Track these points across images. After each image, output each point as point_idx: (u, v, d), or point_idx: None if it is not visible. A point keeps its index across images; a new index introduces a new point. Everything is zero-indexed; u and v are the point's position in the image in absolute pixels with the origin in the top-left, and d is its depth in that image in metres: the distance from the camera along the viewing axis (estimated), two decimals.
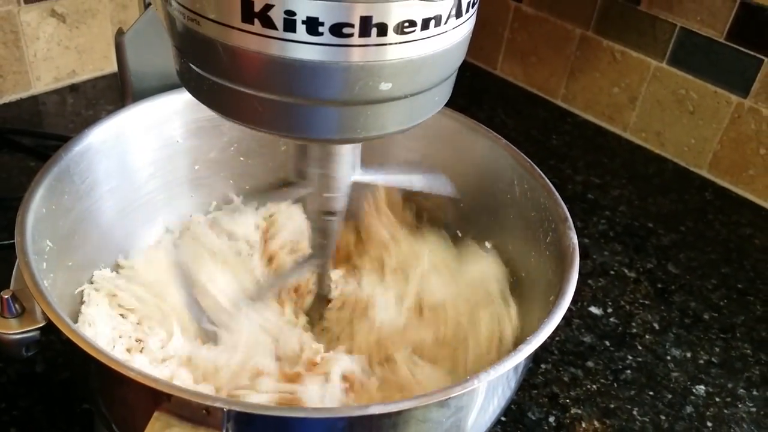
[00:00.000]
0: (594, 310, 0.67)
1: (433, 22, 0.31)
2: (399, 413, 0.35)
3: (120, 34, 0.49)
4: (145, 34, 0.49)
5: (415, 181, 0.50)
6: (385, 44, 0.31)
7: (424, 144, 0.55)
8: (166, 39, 0.40)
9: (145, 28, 0.49)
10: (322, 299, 0.53)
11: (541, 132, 0.92)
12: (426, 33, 0.31)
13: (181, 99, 0.52)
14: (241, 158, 0.57)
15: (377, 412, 0.34)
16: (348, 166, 0.41)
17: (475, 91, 0.93)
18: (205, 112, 0.53)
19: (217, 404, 0.32)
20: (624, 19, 0.87)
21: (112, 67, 0.90)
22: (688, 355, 0.63)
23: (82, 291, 0.48)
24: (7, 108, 0.83)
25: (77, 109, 0.85)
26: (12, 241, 0.64)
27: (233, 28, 0.30)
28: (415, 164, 0.57)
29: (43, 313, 0.38)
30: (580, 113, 0.96)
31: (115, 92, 0.88)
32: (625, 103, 0.91)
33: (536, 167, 0.50)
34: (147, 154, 0.52)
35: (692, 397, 0.59)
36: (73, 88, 0.88)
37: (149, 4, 0.48)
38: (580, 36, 0.92)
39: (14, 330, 0.39)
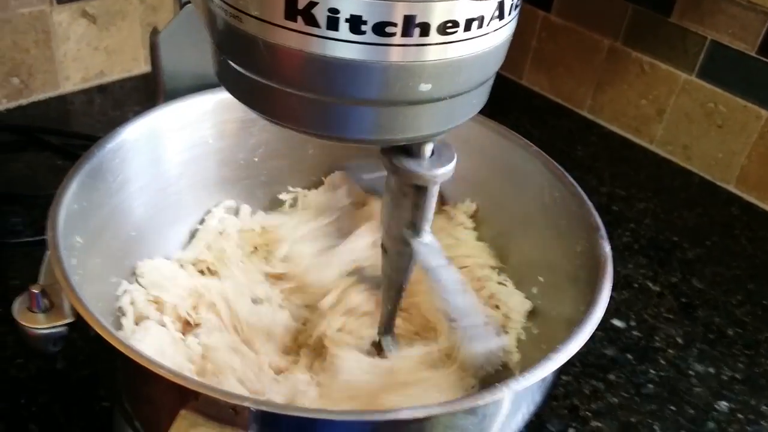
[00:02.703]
0: (617, 322, 0.66)
1: (476, 23, 0.31)
2: (427, 419, 0.34)
3: (155, 33, 0.49)
4: (179, 34, 0.50)
5: None
6: (427, 44, 0.30)
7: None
8: (199, 39, 0.40)
9: (180, 28, 0.49)
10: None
11: (566, 143, 0.91)
12: (468, 34, 0.31)
13: (213, 99, 0.52)
14: (270, 160, 0.57)
15: (405, 417, 0.34)
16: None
17: (500, 100, 0.92)
18: (235, 113, 0.54)
19: (245, 404, 0.32)
20: (654, 31, 0.86)
21: (140, 68, 0.91)
22: (712, 370, 0.62)
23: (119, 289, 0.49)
24: (35, 107, 0.84)
25: (104, 109, 0.86)
26: (39, 238, 0.64)
27: (275, 25, 0.30)
28: None
29: (72, 309, 0.38)
30: (606, 125, 0.96)
31: (142, 93, 0.89)
32: (652, 115, 0.90)
33: (567, 174, 0.49)
34: (177, 154, 0.52)
35: (715, 413, 0.58)
36: (101, 88, 0.89)
37: (185, 3, 0.48)
38: (609, 47, 0.91)
39: (42, 325, 0.38)
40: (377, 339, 0.49)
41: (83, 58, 0.85)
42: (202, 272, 0.54)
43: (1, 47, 0.78)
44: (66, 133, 0.80)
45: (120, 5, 0.85)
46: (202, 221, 0.57)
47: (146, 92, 0.88)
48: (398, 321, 0.50)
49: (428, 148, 0.38)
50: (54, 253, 0.38)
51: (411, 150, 0.38)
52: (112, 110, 0.85)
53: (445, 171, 0.39)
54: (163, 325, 0.48)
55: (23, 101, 0.83)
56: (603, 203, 0.81)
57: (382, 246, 0.45)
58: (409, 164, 0.38)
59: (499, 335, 0.48)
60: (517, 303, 0.52)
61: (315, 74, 0.31)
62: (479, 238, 0.57)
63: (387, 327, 0.49)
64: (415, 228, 0.41)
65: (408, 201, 0.40)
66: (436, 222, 0.45)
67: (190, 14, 0.49)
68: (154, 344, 0.45)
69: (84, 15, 0.83)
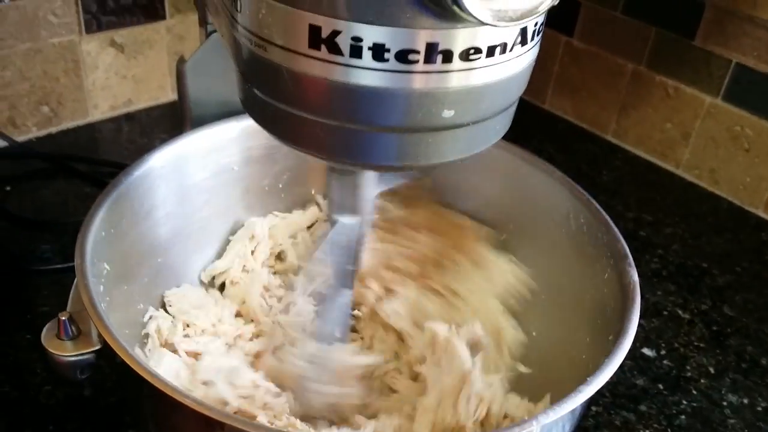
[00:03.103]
0: (647, 351, 0.65)
1: (498, 49, 0.31)
2: None
3: (182, 62, 0.50)
4: (205, 63, 0.50)
5: None
6: (450, 71, 0.30)
7: (477, 174, 0.55)
8: (225, 67, 0.41)
9: (206, 57, 0.50)
10: None
11: (590, 167, 0.90)
12: (491, 60, 0.31)
13: (238, 126, 0.53)
14: (294, 186, 0.58)
15: None
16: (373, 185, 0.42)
17: (523, 125, 0.92)
18: (260, 140, 0.55)
19: None
20: (678, 55, 0.86)
21: (167, 96, 0.93)
22: (746, 401, 0.61)
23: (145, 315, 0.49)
24: (64, 135, 0.85)
25: (132, 137, 0.87)
26: (67, 265, 0.65)
27: (299, 53, 0.30)
28: None
29: (99, 336, 0.38)
30: (631, 149, 0.95)
31: (168, 121, 0.90)
32: (677, 139, 0.89)
33: (593, 200, 0.49)
34: (203, 181, 0.53)
35: None
36: (129, 116, 0.90)
37: (211, 32, 0.49)
38: (633, 71, 0.91)
39: (70, 352, 0.39)
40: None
41: (111, 86, 0.87)
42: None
43: (32, 76, 0.80)
44: (95, 161, 0.81)
45: (147, 34, 0.87)
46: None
47: (173, 120, 0.89)
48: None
49: None
50: (81, 280, 0.38)
51: None
52: (140, 138, 0.86)
53: None
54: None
55: (53, 129, 0.85)
56: (629, 229, 0.80)
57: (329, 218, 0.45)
58: None
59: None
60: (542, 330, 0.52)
61: (338, 102, 0.31)
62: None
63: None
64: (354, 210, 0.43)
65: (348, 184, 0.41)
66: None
67: (216, 43, 0.50)
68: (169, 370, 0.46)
69: (112, 44, 0.85)
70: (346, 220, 0.43)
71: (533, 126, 0.97)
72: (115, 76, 0.87)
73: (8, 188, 0.76)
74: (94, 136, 0.86)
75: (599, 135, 0.97)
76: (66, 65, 0.82)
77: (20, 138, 0.82)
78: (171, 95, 0.93)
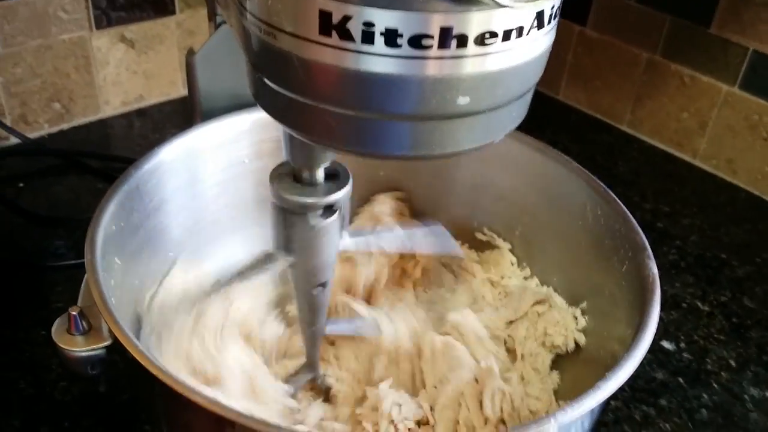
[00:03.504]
0: (666, 344, 0.64)
1: (514, 33, 0.30)
2: None
3: (191, 54, 0.49)
4: (215, 55, 0.50)
5: (416, 242, 0.47)
6: (465, 56, 0.29)
7: (491, 166, 0.54)
8: (235, 59, 0.40)
9: (215, 49, 0.50)
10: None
11: (606, 158, 0.89)
12: (507, 45, 0.30)
13: (249, 119, 0.52)
14: None
15: None
16: (335, 236, 0.40)
17: (537, 116, 0.91)
18: (272, 132, 0.54)
19: None
20: (693, 43, 0.84)
21: (178, 92, 0.92)
22: None
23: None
24: (76, 131, 0.85)
25: (144, 132, 0.87)
26: (81, 261, 0.65)
27: (310, 41, 0.30)
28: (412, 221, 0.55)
29: (110, 332, 0.38)
30: (647, 139, 0.93)
31: (180, 116, 0.90)
32: (694, 128, 0.88)
33: (610, 191, 0.48)
34: (214, 174, 0.52)
35: None
36: (140, 112, 0.90)
37: (221, 24, 0.49)
38: (647, 60, 0.89)
39: (80, 347, 0.38)
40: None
41: (122, 82, 0.87)
42: None
43: (43, 73, 0.80)
44: (106, 157, 0.81)
45: (157, 30, 0.87)
46: None
47: (185, 115, 0.89)
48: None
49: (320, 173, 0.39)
50: (91, 275, 0.38)
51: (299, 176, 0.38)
52: (152, 134, 0.86)
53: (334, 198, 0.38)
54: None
55: (65, 126, 0.85)
56: (647, 220, 0.79)
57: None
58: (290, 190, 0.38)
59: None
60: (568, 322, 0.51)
61: (350, 90, 0.30)
62: (518, 258, 0.56)
63: (310, 364, 0.47)
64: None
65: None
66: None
67: (226, 35, 0.50)
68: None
69: (122, 40, 0.84)
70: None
71: (547, 117, 0.96)
72: (125, 72, 0.87)
73: (21, 185, 0.76)
74: (105, 132, 0.86)
75: (614, 125, 0.96)
76: (77, 61, 0.82)
77: (32, 135, 0.82)
78: (182, 90, 0.92)
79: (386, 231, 0.48)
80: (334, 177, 0.40)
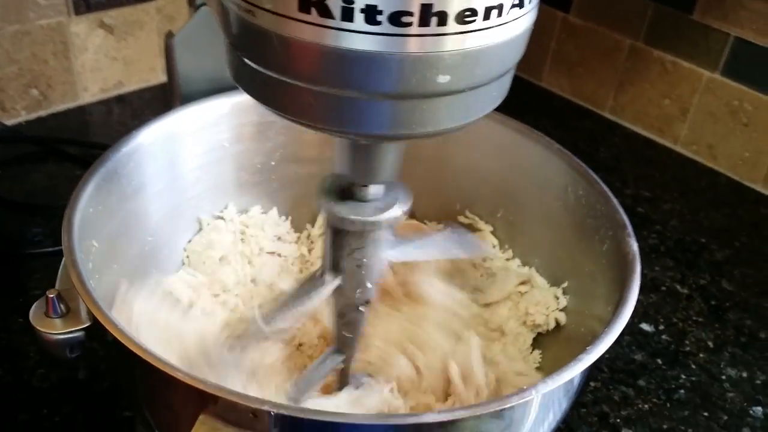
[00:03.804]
0: (645, 326, 0.65)
1: (495, 12, 0.30)
2: (452, 422, 0.33)
3: (170, 36, 0.49)
4: (194, 38, 0.49)
5: (450, 248, 0.47)
6: (445, 34, 0.29)
7: (473, 149, 0.54)
8: (214, 42, 0.39)
9: (195, 32, 0.49)
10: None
11: (588, 144, 0.90)
12: (487, 23, 0.30)
13: (229, 102, 0.52)
14: (287, 164, 0.57)
15: (429, 421, 0.32)
16: (384, 248, 0.39)
17: (519, 102, 0.91)
18: (251, 116, 0.54)
19: (265, 407, 0.31)
20: (676, 29, 0.85)
21: (158, 78, 0.91)
22: (745, 375, 0.61)
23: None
24: (54, 118, 0.84)
25: (123, 119, 0.86)
26: (58, 248, 0.64)
27: (289, 18, 0.29)
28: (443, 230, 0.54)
29: (89, 313, 0.37)
30: (628, 125, 0.94)
31: (160, 103, 0.89)
32: (676, 115, 0.89)
33: (591, 171, 0.48)
34: (194, 158, 0.52)
35: (749, 419, 0.57)
36: (120, 99, 0.89)
37: (200, 5, 0.48)
38: (630, 46, 0.90)
39: (59, 330, 0.38)
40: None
41: (101, 68, 0.86)
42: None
43: (20, 59, 0.79)
44: (85, 144, 0.80)
45: (137, 15, 0.86)
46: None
47: (164, 102, 0.88)
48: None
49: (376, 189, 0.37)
50: (69, 256, 0.37)
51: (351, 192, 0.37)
52: (131, 120, 0.85)
53: (392, 216, 0.37)
54: None
55: (42, 113, 0.84)
56: (628, 205, 0.79)
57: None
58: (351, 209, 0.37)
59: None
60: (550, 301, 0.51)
61: (330, 67, 0.30)
62: (500, 240, 0.56)
63: (342, 380, 0.46)
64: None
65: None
66: None
67: (205, 17, 0.49)
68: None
69: (101, 26, 0.83)
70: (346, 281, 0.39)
71: (529, 103, 0.96)
72: (104, 58, 0.85)
73: None
74: (84, 119, 0.85)
75: (596, 112, 0.96)
76: (55, 47, 0.81)
77: (9, 121, 0.81)
78: (162, 77, 0.91)
79: (425, 238, 0.47)
80: (391, 191, 0.38)
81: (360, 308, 0.41)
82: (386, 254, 0.39)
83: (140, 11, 0.86)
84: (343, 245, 0.38)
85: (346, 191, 0.38)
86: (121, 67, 0.87)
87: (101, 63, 0.85)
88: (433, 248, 0.46)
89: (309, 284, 0.41)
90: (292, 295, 0.42)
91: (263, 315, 0.42)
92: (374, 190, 0.37)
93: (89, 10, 0.81)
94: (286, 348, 0.48)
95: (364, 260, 0.39)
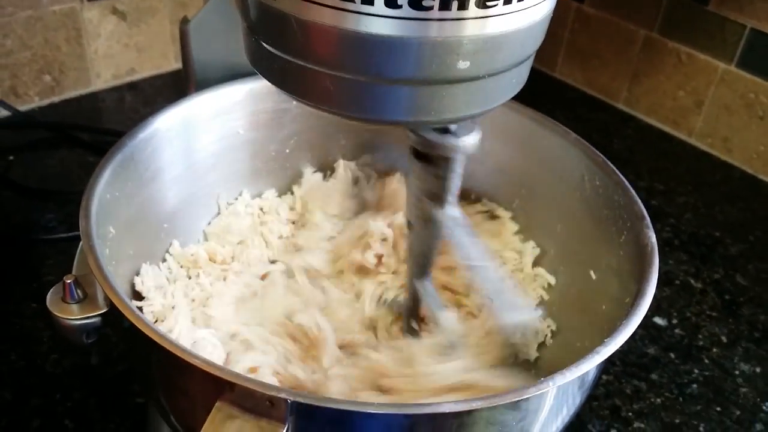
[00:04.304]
0: (658, 320, 0.64)
1: None
2: (468, 412, 0.33)
3: (185, 22, 0.49)
4: (209, 23, 0.49)
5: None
6: (466, 18, 0.29)
7: (488, 138, 0.53)
8: (229, 28, 0.39)
9: (210, 17, 0.49)
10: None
11: (602, 136, 0.89)
12: (508, 8, 0.30)
13: (244, 89, 0.52)
14: (301, 151, 0.57)
15: (445, 411, 0.32)
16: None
17: (532, 93, 0.91)
18: (266, 103, 0.53)
19: (282, 395, 0.31)
20: (691, 20, 0.84)
21: (170, 65, 0.91)
22: (758, 370, 0.60)
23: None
24: (67, 104, 0.84)
25: (135, 106, 0.86)
26: (72, 234, 0.65)
27: (309, 1, 0.29)
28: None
29: (105, 299, 0.37)
30: (643, 117, 0.93)
31: (172, 90, 0.89)
32: (690, 107, 0.88)
33: (609, 162, 0.48)
34: (209, 144, 0.52)
35: (762, 415, 0.56)
36: (132, 85, 0.89)
37: None
38: (645, 37, 0.89)
39: (75, 315, 0.38)
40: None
41: (114, 55, 0.86)
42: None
43: (33, 45, 0.79)
44: (98, 130, 0.80)
45: (150, 2, 0.85)
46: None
47: (176, 89, 0.88)
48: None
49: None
50: (87, 242, 0.37)
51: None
52: (143, 107, 0.85)
53: (471, 142, 0.37)
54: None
55: (55, 99, 0.84)
56: (642, 198, 0.76)
57: (407, 222, 0.44)
58: (434, 135, 0.37)
59: (531, 306, 0.48)
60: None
61: (349, 52, 0.30)
62: (518, 231, 0.56)
63: (412, 310, 0.47)
64: (440, 200, 0.40)
65: (432, 173, 0.39)
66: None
67: (220, 3, 0.49)
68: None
69: (114, 12, 0.83)
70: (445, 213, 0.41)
71: (543, 94, 0.95)
72: (117, 45, 0.85)
73: (11, 158, 0.75)
74: (96, 105, 0.85)
75: (610, 103, 0.96)
76: (68, 33, 0.81)
77: (22, 107, 0.81)
78: (174, 64, 0.91)
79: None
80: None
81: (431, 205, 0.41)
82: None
83: None
84: (427, 173, 0.39)
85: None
86: (133, 53, 0.87)
87: (114, 49, 0.85)
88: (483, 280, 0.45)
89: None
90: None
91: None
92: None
93: None
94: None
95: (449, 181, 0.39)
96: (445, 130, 0.37)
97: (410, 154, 0.39)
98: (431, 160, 0.38)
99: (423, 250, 0.44)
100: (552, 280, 0.53)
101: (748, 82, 0.82)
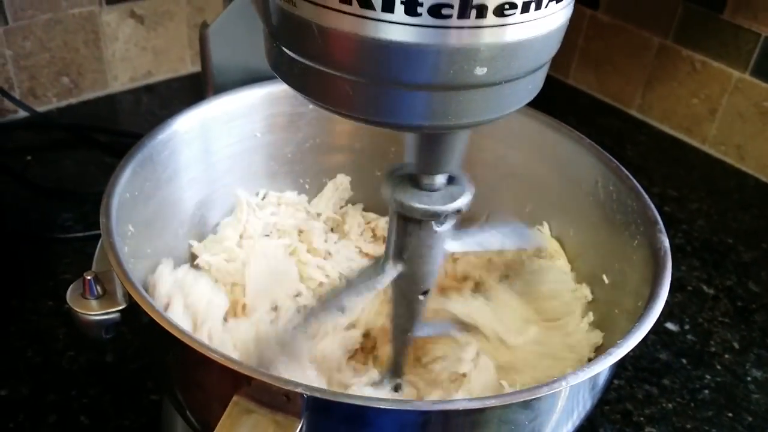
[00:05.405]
0: (670, 326, 0.64)
1: (533, 5, 0.30)
2: (481, 411, 0.34)
3: (204, 26, 0.49)
4: (228, 28, 0.50)
5: (509, 240, 0.47)
6: (484, 27, 0.30)
7: (501, 142, 0.54)
8: (248, 33, 0.40)
9: (229, 22, 0.50)
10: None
11: (615, 142, 0.89)
12: (525, 16, 0.30)
13: (261, 93, 0.52)
14: (317, 155, 0.57)
15: (459, 408, 0.33)
16: (446, 238, 0.39)
17: (546, 99, 0.91)
18: (283, 107, 0.54)
19: (298, 390, 0.32)
20: (705, 28, 0.84)
21: (187, 68, 0.92)
22: None
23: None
24: (84, 106, 0.86)
25: (152, 108, 0.87)
26: (89, 233, 0.66)
27: (330, 9, 0.30)
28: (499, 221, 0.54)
29: (125, 295, 0.38)
30: (656, 124, 0.93)
31: (188, 93, 0.90)
32: (704, 114, 0.88)
33: (622, 167, 0.48)
34: (226, 147, 0.52)
35: None
36: (149, 88, 0.90)
37: None
38: (659, 45, 0.89)
39: (95, 311, 0.39)
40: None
41: (131, 58, 0.87)
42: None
43: (52, 47, 0.80)
44: (115, 132, 0.81)
45: (167, 6, 0.87)
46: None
47: (193, 92, 0.89)
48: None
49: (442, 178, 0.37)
50: (107, 238, 0.38)
51: (420, 181, 0.37)
52: (159, 110, 0.86)
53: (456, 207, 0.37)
54: None
55: (73, 100, 0.85)
56: (655, 204, 0.78)
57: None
58: (413, 198, 0.37)
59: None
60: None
61: (368, 58, 0.31)
62: None
63: (395, 370, 0.46)
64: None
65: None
66: None
67: (240, 8, 0.50)
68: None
69: (132, 15, 0.84)
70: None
71: (556, 100, 0.96)
72: (134, 48, 0.87)
73: (29, 158, 0.76)
74: (114, 107, 0.87)
75: (624, 110, 0.96)
76: (86, 36, 0.82)
77: (41, 108, 0.83)
78: (191, 67, 0.92)
79: (478, 231, 0.46)
80: (454, 181, 0.38)
81: (420, 297, 0.41)
82: (448, 244, 0.39)
83: (170, 2, 0.87)
84: (408, 233, 0.38)
85: (412, 181, 0.37)
86: (150, 56, 0.88)
87: (131, 52, 0.86)
88: (492, 240, 0.46)
89: (370, 271, 0.41)
90: (351, 281, 0.42)
91: (326, 297, 0.43)
92: (440, 180, 0.37)
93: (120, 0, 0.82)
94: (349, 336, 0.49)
95: (428, 249, 0.39)
96: (433, 188, 0.37)
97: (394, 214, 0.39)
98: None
99: (405, 321, 0.43)
100: None
101: (762, 91, 0.82)
